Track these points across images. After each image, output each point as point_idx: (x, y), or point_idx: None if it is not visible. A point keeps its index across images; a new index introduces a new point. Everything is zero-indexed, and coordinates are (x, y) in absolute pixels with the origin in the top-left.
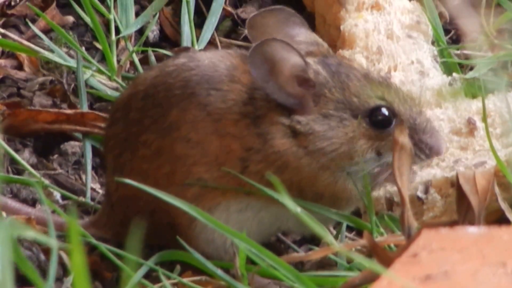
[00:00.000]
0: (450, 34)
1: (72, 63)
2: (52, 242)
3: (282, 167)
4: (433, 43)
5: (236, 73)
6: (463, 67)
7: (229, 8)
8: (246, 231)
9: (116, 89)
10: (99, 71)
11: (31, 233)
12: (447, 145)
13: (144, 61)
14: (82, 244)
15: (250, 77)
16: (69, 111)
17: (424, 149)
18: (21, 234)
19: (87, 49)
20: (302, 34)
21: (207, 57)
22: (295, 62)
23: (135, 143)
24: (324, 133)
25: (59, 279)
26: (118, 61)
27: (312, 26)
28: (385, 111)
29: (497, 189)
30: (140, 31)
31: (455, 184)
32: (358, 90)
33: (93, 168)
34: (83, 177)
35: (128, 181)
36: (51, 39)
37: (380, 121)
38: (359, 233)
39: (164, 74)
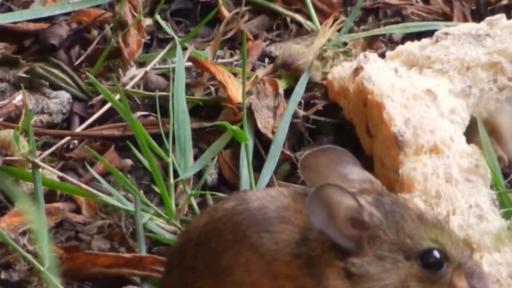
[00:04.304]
0: (509, 178)
1: (130, 206)
2: None
3: None
4: (491, 187)
5: (286, 214)
6: None
7: (288, 152)
8: None
9: (175, 233)
10: (157, 215)
11: None
12: None
13: (203, 204)
14: None
15: (302, 217)
16: (127, 255)
17: None
18: None
19: (145, 192)
20: (355, 172)
21: (257, 197)
22: (349, 204)
23: None
24: (378, 275)
25: None
26: (177, 205)
27: (371, 170)
28: (437, 254)
29: None
30: (199, 174)
31: None
32: (412, 231)
33: None
34: None
35: None
36: (109, 182)
37: (432, 264)
38: None
39: (214, 220)
